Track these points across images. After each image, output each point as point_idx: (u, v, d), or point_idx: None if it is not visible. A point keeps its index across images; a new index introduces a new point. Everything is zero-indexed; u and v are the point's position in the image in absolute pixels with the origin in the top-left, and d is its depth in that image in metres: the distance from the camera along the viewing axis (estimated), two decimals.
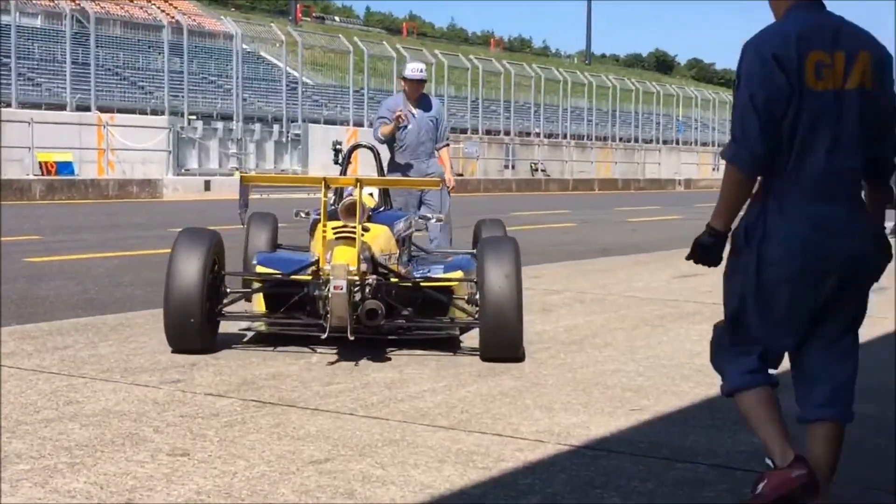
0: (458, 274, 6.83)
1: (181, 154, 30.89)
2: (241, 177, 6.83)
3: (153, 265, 11.40)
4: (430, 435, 4.62)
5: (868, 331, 4.08)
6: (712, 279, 10.87)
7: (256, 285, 6.70)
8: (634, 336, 7.36)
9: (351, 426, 4.74)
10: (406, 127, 10.10)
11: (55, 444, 4.34)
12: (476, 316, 6.22)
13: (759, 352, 3.73)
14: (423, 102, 10.35)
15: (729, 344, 3.81)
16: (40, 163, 26.60)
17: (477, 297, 6.16)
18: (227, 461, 4.17)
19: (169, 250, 6.40)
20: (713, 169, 57.94)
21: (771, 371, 3.76)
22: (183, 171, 30.56)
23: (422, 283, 6.48)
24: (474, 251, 8.09)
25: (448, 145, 10.64)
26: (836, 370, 3.69)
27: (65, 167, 27.16)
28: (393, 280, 6.30)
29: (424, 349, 6.47)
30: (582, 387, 5.69)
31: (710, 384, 5.83)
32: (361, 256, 5.82)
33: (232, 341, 6.61)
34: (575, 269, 11.75)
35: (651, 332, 7.54)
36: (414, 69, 10.35)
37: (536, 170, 44.08)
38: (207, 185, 28.14)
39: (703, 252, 3.77)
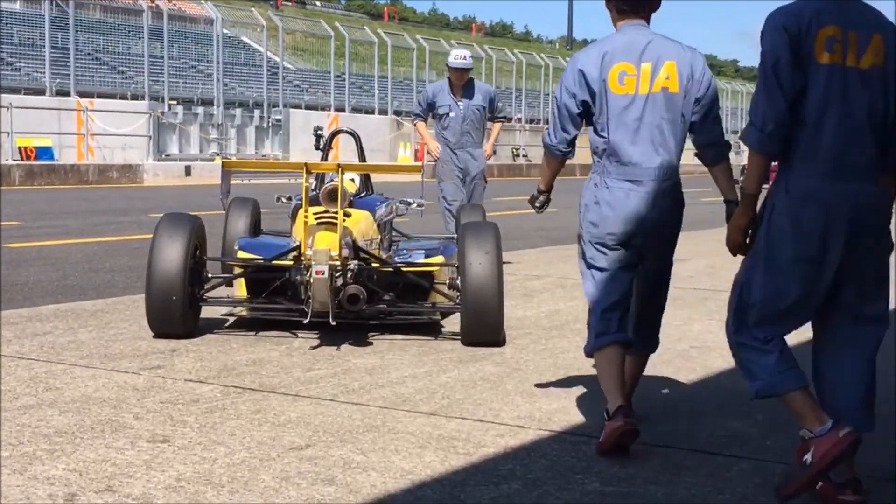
0: (440, 259, 6.82)
1: (161, 139, 30.75)
2: (223, 162, 6.80)
3: (133, 251, 11.36)
4: (411, 421, 4.62)
5: None
6: (693, 264, 10.98)
7: (238, 270, 6.68)
8: None
9: (332, 412, 4.73)
10: (448, 115, 9.89)
11: (34, 431, 4.32)
12: (457, 301, 6.22)
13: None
14: (468, 90, 9.88)
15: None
16: (20, 148, 26.42)
17: (458, 282, 6.16)
18: (208, 447, 4.15)
19: (150, 236, 6.37)
20: (695, 154, 58.05)
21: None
22: (163, 156, 30.42)
23: (403, 269, 6.47)
24: (455, 236, 8.09)
25: (502, 121, 10.43)
26: None
27: (44, 152, 26.99)
28: (374, 265, 6.29)
29: (406, 334, 6.47)
30: (563, 372, 5.69)
31: (690, 369, 5.86)
32: (343, 242, 5.81)
33: (213, 326, 6.59)
34: (556, 255, 11.75)
35: None
36: (457, 56, 9.86)
37: (518, 155, 44.06)
38: (188, 171, 28.01)
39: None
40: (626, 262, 4.59)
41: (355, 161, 8.14)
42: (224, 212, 7.94)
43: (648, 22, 4.57)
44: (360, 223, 6.26)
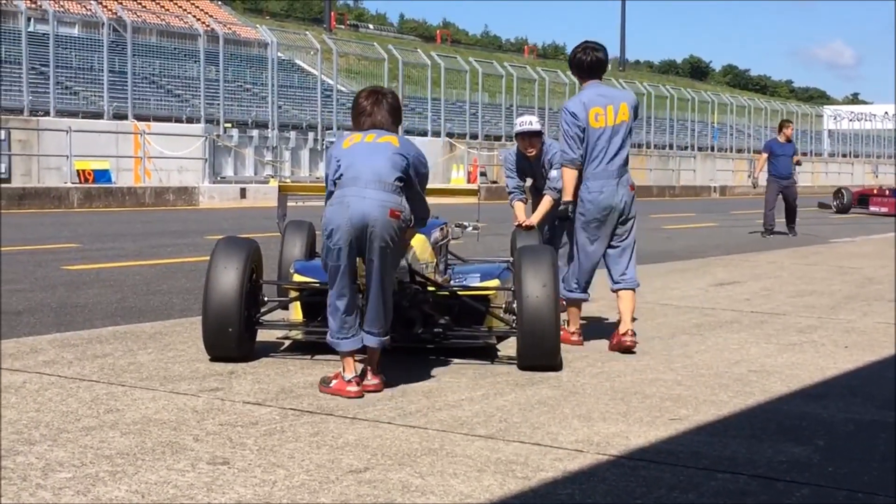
0: (495, 283, 6.82)
1: (217, 162, 31.06)
2: (280, 186, 6.86)
3: (190, 273, 11.48)
4: (469, 444, 4.62)
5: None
6: (750, 287, 10.92)
7: (294, 294, 6.72)
8: (671, 345, 7.33)
9: (389, 435, 4.75)
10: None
11: (96, 453, 4.37)
12: (513, 325, 6.21)
13: None
14: (545, 151, 8.55)
15: None
16: (78, 171, 26.81)
17: (514, 305, 6.15)
18: (267, 470, 4.18)
19: (206, 258, 6.43)
20: (748, 176, 57.68)
21: None
22: (219, 178, 30.71)
23: (459, 292, 6.48)
24: (511, 260, 8.09)
25: (552, 193, 8.43)
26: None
27: (102, 175, 27.36)
28: (430, 289, 6.30)
29: (462, 358, 6.48)
30: (620, 396, 5.67)
31: (748, 394, 5.81)
32: (399, 267, 5.82)
33: (270, 350, 6.63)
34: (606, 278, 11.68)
35: (689, 341, 7.50)
36: (522, 122, 8.46)
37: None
38: (243, 193, 28.26)
39: None
40: (603, 235, 7.21)
41: None
42: (280, 235, 7.99)
43: (601, 80, 7.22)
44: (416, 247, 6.28)
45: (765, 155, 20.99)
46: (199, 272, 11.46)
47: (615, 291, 7.34)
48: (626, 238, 7.32)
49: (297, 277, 6.80)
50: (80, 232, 17.32)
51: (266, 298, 6.49)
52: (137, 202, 25.66)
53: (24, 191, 23.72)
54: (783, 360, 6.82)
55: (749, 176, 27.77)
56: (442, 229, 7.28)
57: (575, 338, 7.24)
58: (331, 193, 5.57)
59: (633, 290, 7.35)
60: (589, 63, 7.13)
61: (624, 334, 7.00)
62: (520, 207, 8.61)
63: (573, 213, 7.17)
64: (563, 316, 7.21)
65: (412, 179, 5.59)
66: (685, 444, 4.72)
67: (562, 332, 6.49)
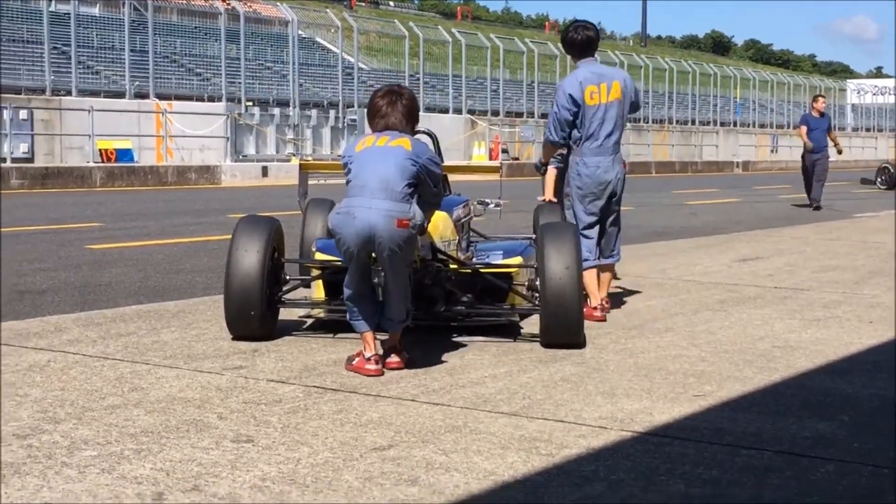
0: (518, 260, 6.79)
1: (238, 140, 31.09)
2: (301, 164, 6.85)
3: (213, 251, 11.51)
4: (493, 421, 4.61)
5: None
6: (773, 262, 10.88)
7: (316, 272, 6.72)
8: (695, 321, 7.30)
9: (413, 412, 4.75)
10: None
11: (121, 431, 4.38)
12: (536, 302, 6.20)
13: None
14: None
15: None
16: (100, 150, 26.88)
17: (537, 283, 6.14)
18: (291, 447, 4.19)
19: (229, 237, 6.44)
20: (771, 151, 57.40)
21: None
22: (240, 157, 30.75)
23: (481, 270, 6.46)
24: (533, 237, 8.07)
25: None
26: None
27: (124, 154, 27.43)
28: (452, 266, 6.29)
29: (484, 335, 6.47)
30: (644, 372, 5.65)
31: (773, 370, 5.78)
32: (420, 244, 5.81)
33: (292, 328, 6.64)
34: (632, 254, 11.65)
35: (712, 317, 7.47)
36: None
37: None
38: (265, 171, 28.30)
39: None
40: (597, 209, 7.41)
41: None
42: (302, 213, 7.99)
43: (594, 58, 7.48)
44: (438, 224, 6.26)
45: (804, 127, 21.17)
46: (222, 251, 11.45)
47: (601, 268, 7.56)
48: (616, 215, 7.58)
49: (319, 255, 6.79)
50: (102, 211, 17.38)
51: (288, 277, 6.49)
52: (160, 181, 25.72)
53: (46, 170, 23.81)
54: (808, 336, 6.79)
55: (772, 151, 27.79)
56: (464, 207, 7.25)
57: (597, 313, 7.26)
58: (348, 182, 5.58)
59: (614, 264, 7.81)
60: (581, 42, 7.41)
61: (595, 308, 7.27)
62: (552, 176, 8.55)
63: (544, 172, 8.06)
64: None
65: (425, 181, 5.57)
66: (709, 420, 4.70)
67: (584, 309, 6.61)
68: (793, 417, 4.77)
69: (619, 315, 7.50)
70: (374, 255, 5.49)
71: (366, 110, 5.92)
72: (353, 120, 35.23)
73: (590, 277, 7.33)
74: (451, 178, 8.63)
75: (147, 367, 5.61)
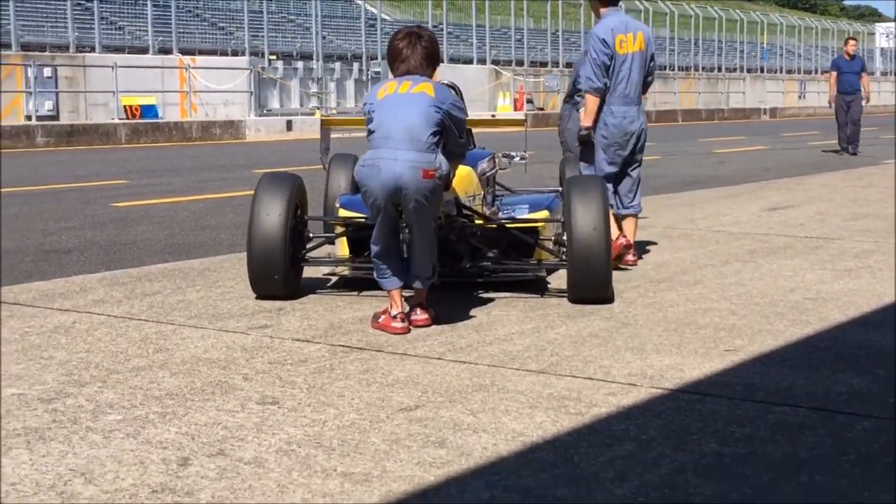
0: (544, 214, 6.71)
1: (262, 95, 30.99)
2: (322, 120, 6.77)
3: (238, 207, 11.47)
4: (520, 379, 4.55)
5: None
6: (803, 210, 10.76)
7: (340, 229, 6.65)
8: (725, 273, 7.20)
9: (440, 371, 4.69)
10: None
11: (146, 394, 4.35)
12: (563, 257, 6.12)
13: None
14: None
15: None
16: (125, 107, 26.84)
17: (564, 237, 6.05)
18: (317, 409, 4.14)
19: (252, 192, 6.38)
20: (799, 97, 56.82)
21: None
22: (265, 111, 30.66)
23: (507, 225, 6.38)
24: (560, 189, 7.97)
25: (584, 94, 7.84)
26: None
27: (149, 111, 27.39)
28: (478, 222, 6.21)
29: (511, 291, 6.39)
30: (674, 327, 5.57)
31: (805, 322, 5.69)
32: (445, 199, 5.72)
33: (316, 286, 6.59)
34: (660, 204, 11.56)
35: (742, 269, 7.38)
36: None
37: None
38: (289, 125, 28.22)
39: None
40: (620, 159, 7.49)
41: None
42: (324, 169, 7.91)
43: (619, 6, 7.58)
44: (463, 179, 6.16)
45: (834, 73, 21.03)
46: (247, 206, 11.37)
47: (622, 217, 7.59)
48: (638, 167, 7.67)
49: (343, 212, 6.72)
50: (127, 168, 17.36)
51: (311, 235, 6.42)
52: (184, 137, 25.69)
53: (72, 128, 23.80)
54: (839, 287, 6.69)
55: (800, 97, 27.58)
56: (489, 161, 7.14)
57: (629, 257, 7.38)
58: (369, 131, 5.49)
59: (636, 215, 7.76)
60: None
61: (629, 246, 7.43)
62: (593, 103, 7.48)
63: (593, 139, 7.50)
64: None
65: (449, 128, 5.47)
66: (741, 375, 4.63)
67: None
68: (826, 372, 4.69)
69: (647, 267, 7.41)
70: (400, 208, 5.42)
71: (386, 54, 5.78)
72: (377, 72, 35.02)
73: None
74: (476, 131, 8.53)
75: (172, 327, 5.57)
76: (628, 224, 7.61)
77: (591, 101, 7.41)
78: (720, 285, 6.74)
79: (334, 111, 32.57)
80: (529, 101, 38.82)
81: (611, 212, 7.23)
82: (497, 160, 7.35)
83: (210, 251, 8.57)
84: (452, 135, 5.50)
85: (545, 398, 4.28)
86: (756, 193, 12.83)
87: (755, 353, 5.03)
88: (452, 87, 7.57)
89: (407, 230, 5.51)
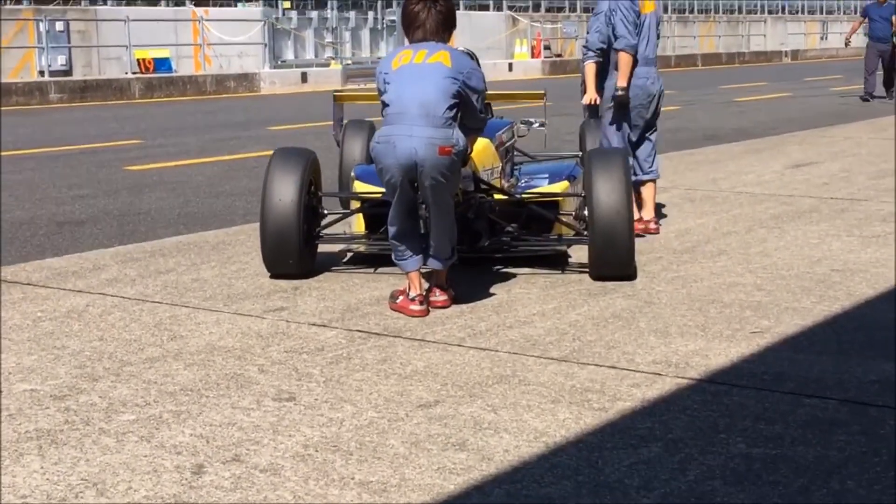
0: (565, 185, 6.56)
1: (277, 46, 30.72)
2: (335, 96, 6.62)
3: (252, 170, 11.35)
4: (542, 369, 4.44)
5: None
6: (827, 167, 10.59)
7: (355, 205, 6.52)
8: (749, 241, 7.05)
9: (459, 360, 4.58)
10: None
11: (160, 389, 4.25)
12: (584, 232, 5.97)
13: None
14: None
15: None
16: (138, 60, 26.64)
17: (585, 212, 5.90)
18: (334, 406, 4.04)
19: (268, 152, 6.23)
20: (821, 38, 56.11)
21: None
22: (279, 62, 30.41)
23: (526, 200, 6.23)
24: (580, 154, 7.81)
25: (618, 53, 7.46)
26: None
27: (162, 63, 27.17)
28: (497, 197, 6.06)
29: (531, 267, 6.26)
30: (698, 305, 5.44)
31: (833, 298, 5.56)
32: (462, 175, 5.58)
33: (332, 262, 6.46)
34: (682, 161, 11.39)
35: (766, 236, 7.23)
36: None
37: None
38: (304, 77, 27.98)
39: None
40: (642, 121, 7.34)
41: None
42: (338, 146, 7.75)
43: None
44: (481, 152, 5.99)
45: (856, 22, 20.84)
46: (262, 170, 11.28)
47: (641, 183, 7.41)
48: (655, 130, 7.53)
49: (358, 184, 6.58)
50: (141, 126, 17.23)
51: (326, 211, 6.28)
52: (199, 91, 25.50)
53: (85, 83, 23.65)
54: (867, 257, 6.54)
55: (822, 38, 27.30)
56: (507, 130, 6.96)
57: (652, 225, 7.33)
58: (383, 103, 5.34)
59: (655, 181, 7.57)
60: None
61: (650, 221, 7.34)
62: (592, 72, 7.42)
63: (624, 98, 7.19)
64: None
65: (467, 98, 5.30)
66: (768, 363, 4.50)
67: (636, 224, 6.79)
68: (856, 358, 4.56)
69: (670, 236, 7.27)
70: (417, 186, 5.28)
71: (400, 18, 5.60)
72: (392, 21, 34.66)
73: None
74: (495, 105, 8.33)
75: (187, 310, 5.48)
76: (647, 189, 7.47)
77: (626, 60, 7.13)
78: (744, 256, 6.60)
79: (349, 62, 32.32)
80: (547, 48, 38.42)
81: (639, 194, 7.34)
82: (515, 129, 7.18)
83: (225, 221, 8.46)
84: (471, 106, 5.34)
85: (567, 391, 4.17)
86: (778, 149, 12.63)
87: (782, 335, 4.91)
88: (470, 54, 7.39)
89: (425, 209, 5.38)
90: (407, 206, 5.34)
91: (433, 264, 5.43)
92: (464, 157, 5.28)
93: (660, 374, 4.36)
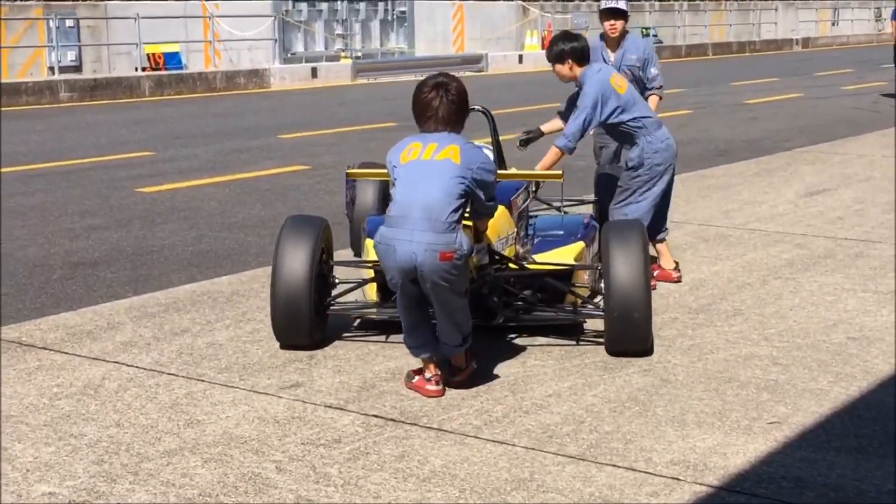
0: (579, 247, 6.51)
1: (287, 38, 30.63)
2: (347, 173, 6.58)
3: (265, 195, 11.37)
4: (559, 471, 4.43)
5: None
6: (840, 198, 10.55)
7: (369, 273, 6.38)
8: (764, 298, 7.03)
9: (477, 458, 4.57)
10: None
11: (179, 494, 4.26)
12: (600, 304, 5.94)
13: None
14: (626, 44, 7.97)
15: None
16: (148, 55, 26.58)
17: (601, 285, 5.87)
18: None
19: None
20: (832, 24, 55.86)
21: None
22: (289, 55, 30.34)
23: (541, 271, 6.16)
24: (595, 199, 7.79)
25: (659, 92, 8.12)
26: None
27: (172, 58, 27.11)
28: (512, 266, 6.02)
29: (545, 336, 6.20)
30: (714, 385, 5.43)
31: (850, 377, 5.55)
32: (477, 248, 5.54)
33: (344, 327, 6.37)
34: (694, 186, 11.35)
35: (782, 290, 7.21)
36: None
37: (647, 36, 42.83)
38: (314, 73, 27.93)
39: None
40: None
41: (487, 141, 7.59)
42: (350, 223, 7.72)
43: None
44: (496, 220, 5.90)
45: (894, 23, 21.10)
46: (274, 194, 11.35)
47: (659, 241, 7.47)
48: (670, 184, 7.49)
49: (370, 244, 6.50)
50: (152, 132, 17.21)
51: (337, 281, 6.20)
52: (209, 87, 25.47)
53: (95, 82, 23.61)
54: (883, 320, 6.52)
55: (833, 24, 27.25)
56: (522, 192, 6.86)
57: (674, 274, 7.41)
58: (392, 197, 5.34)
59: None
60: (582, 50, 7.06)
61: (671, 270, 7.44)
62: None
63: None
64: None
65: (475, 194, 5.25)
66: (787, 464, 4.49)
67: (659, 272, 7.31)
68: (875, 457, 4.55)
69: (685, 289, 7.25)
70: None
71: (412, 103, 5.50)
72: (403, 11, 34.56)
73: (663, 245, 7.54)
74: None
75: (202, 385, 5.48)
76: (662, 247, 7.49)
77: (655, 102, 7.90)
78: (760, 318, 6.58)
79: (359, 54, 32.23)
80: None
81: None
82: (530, 190, 7.11)
83: (237, 262, 8.46)
84: (478, 199, 5.30)
85: (586, 500, 4.17)
86: (791, 168, 12.60)
87: (800, 427, 4.89)
88: (485, 112, 7.35)
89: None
90: (412, 302, 5.29)
91: (445, 351, 5.40)
92: (465, 258, 5.17)
93: (678, 480, 4.35)
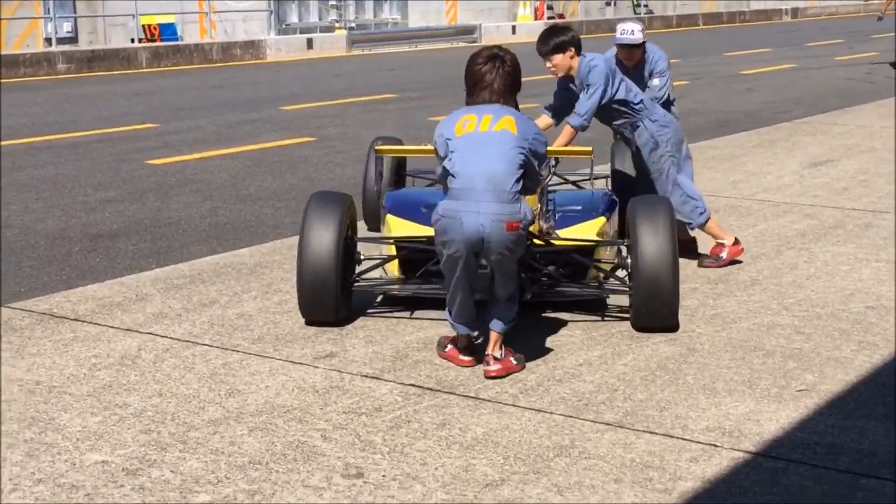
0: (601, 222, 6.57)
1: (281, 9, 30.59)
2: (376, 148, 6.64)
3: (273, 167, 11.44)
4: (599, 438, 4.55)
5: None
6: (844, 168, 10.65)
7: (391, 248, 6.43)
8: (780, 268, 7.15)
9: (517, 425, 4.68)
10: None
11: (229, 461, 4.36)
12: (626, 281, 6.02)
13: None
14: (642, 70, 8.03)
15: None
16: (143, 26, 26.54)
17: (627, 260, 5.94)
18: (403, 484, 4.15)
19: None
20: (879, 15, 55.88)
21: None
22: (284, 25, 30.31)
23: (565, 245, 6.22)
24: (609, 174, 7.88)
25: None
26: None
27: (167, 29, 27.09)
28: (536, 242, 6.09)
29: (570, 311, 6.28)
30: (741, 353, 5.55)
31: (872, 345, 5.68)
32: None
33: (369, 301, 6.46)
34: (699, 158, 11.37)
35: (796, 260, 7.33)
36: (623, 31, 7.88)
37: (638, 4, 42.83)
38: (310, 44, 27.92)
39: None
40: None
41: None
42: (377, 195, 7.76)
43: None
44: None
45: None
46: (283, 166, 11.42)
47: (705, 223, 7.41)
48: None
49: (391, 219, 6.56)
50: (154, 105, 17.24)
51: (362, 256, 6.23)
52: (205, 59, 25.45)
53: (92, 53, 23.58)
54: None
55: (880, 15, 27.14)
56: (546, 168, 6.92)
57: (739, 247, 7.32)
58: (444, 170, 5.31)
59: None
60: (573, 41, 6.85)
61: (728, 245, 7.32)
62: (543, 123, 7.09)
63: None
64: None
65: (531, 164, 5.29)
66: (819, 430, 4.61)
67: (731, 248, 7.23)
68: None
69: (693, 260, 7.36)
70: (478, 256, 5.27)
71: (464, 74, 5.47)
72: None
73: (713, 223, 7.39)
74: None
75: (238, 355, 5.57)
76: (713, 225, 7.39)
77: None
78: (777, 288, 6.70)
79: (353, 24, 32.20)
80: (550, 8, 38.28)
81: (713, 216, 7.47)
82: (551, 167, 7.16)
83: (256, 234, 8.55)
84: (532, 171, 5.30)
85: (628, 466, 4.29)
86: (793, 140, 12.72)
87: (828, 394, 5.01)
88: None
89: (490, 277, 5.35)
90: (470, 274, 5.27)
91: (495, 326, 5.37)
92: (528, 227, 5.25)
93: (715, 446, 4.47)
